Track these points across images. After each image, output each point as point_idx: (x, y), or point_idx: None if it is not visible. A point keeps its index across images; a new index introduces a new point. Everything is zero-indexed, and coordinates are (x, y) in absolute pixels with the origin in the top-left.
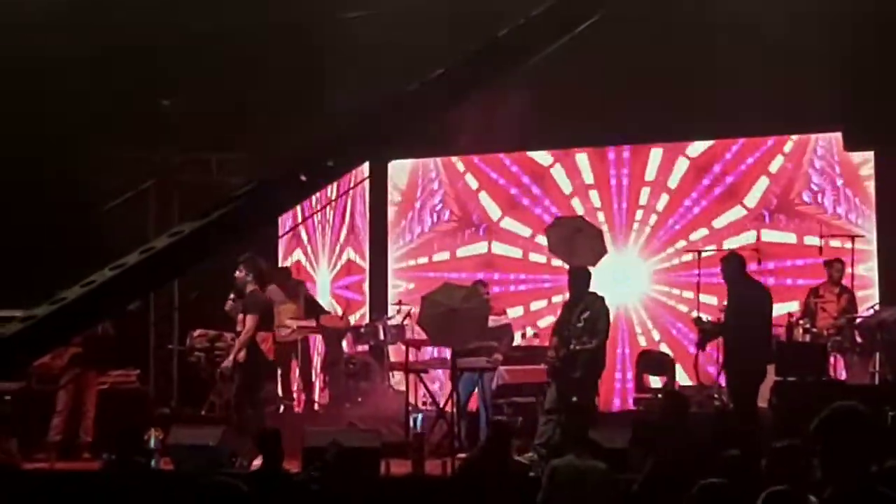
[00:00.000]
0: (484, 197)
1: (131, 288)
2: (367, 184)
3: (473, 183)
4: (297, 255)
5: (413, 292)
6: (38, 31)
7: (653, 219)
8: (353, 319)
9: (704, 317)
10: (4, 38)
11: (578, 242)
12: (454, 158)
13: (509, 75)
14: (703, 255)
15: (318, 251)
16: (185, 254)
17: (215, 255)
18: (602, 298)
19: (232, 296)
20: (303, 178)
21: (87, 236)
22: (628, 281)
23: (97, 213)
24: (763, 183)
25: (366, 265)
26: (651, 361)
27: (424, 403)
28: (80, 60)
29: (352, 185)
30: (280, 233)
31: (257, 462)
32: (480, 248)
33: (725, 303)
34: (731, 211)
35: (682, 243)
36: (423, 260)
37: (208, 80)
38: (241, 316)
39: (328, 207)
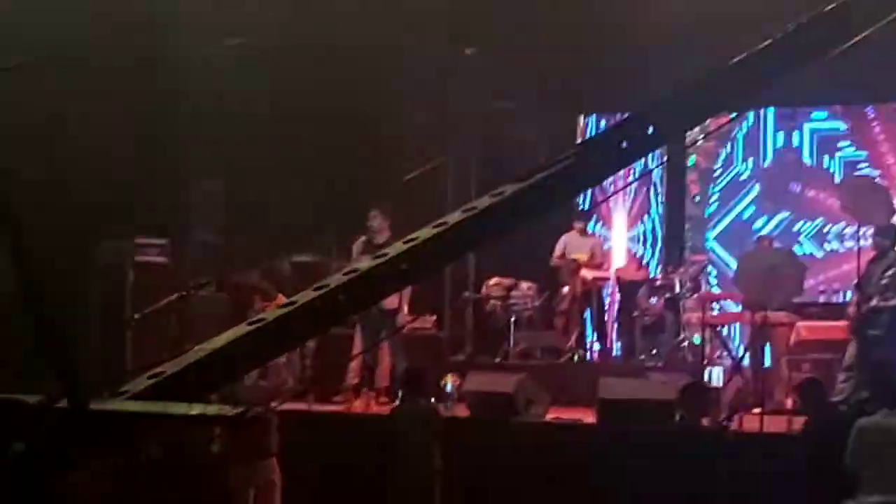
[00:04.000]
0: None
1: (451, 247)
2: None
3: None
4: None
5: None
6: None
7: None
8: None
9: None
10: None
11: (873, 201)
12: None
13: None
14: None
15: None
16: (504, 215)
17: (534, 220)
18: None
19: (363, 238)
20: (624, 144)
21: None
22: None
23: (399, 169)
24: None
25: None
26: None
27: (719, 357)
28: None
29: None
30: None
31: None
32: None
33: None
34: None
35: None
36: None
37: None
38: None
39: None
